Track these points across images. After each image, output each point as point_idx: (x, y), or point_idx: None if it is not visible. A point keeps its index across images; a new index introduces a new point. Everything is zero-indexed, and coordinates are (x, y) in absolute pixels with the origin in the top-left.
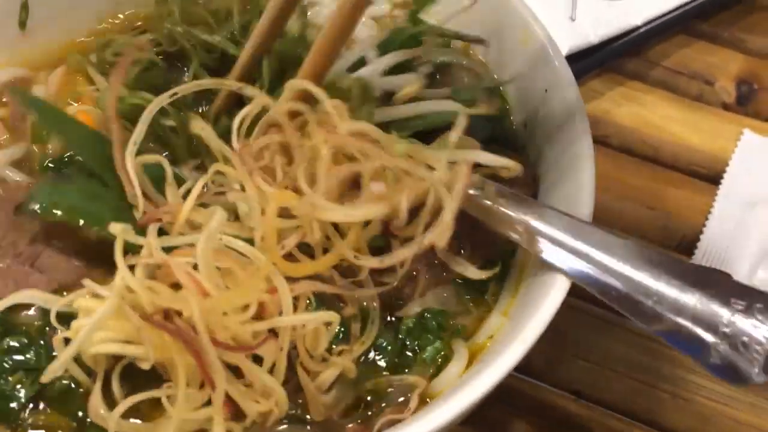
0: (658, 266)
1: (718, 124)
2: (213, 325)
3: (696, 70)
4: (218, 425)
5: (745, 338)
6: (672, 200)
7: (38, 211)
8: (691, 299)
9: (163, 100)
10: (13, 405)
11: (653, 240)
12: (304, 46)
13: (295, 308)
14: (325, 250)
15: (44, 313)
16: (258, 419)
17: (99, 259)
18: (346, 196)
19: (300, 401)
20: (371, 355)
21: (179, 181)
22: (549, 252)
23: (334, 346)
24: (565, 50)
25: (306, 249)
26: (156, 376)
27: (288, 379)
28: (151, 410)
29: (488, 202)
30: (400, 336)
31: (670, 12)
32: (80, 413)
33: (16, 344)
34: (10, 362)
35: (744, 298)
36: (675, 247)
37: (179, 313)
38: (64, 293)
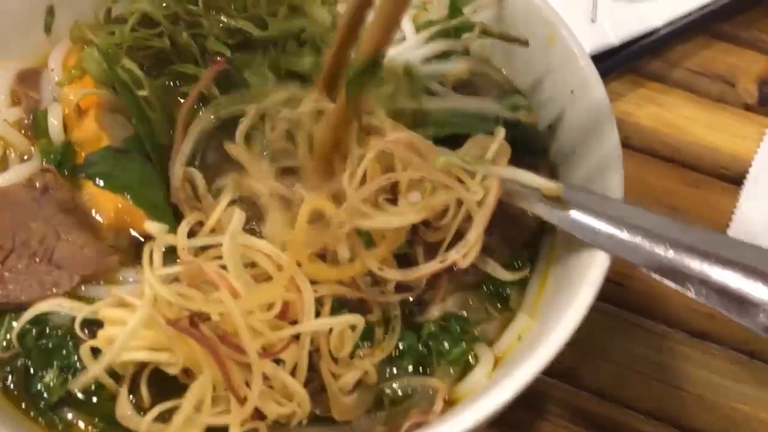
0: (700, 234)
1: (740, 125)
2: (239, 327)
3: (717, 72)
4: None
5: None
6: (695, 201)
7: (95, 177)
8: (736, 264)
9: (208, 121)
10: (44, 403)
11: None
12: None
13: (319, 311)
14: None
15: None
16: (281, 419)
17: (110, 247)
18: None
19: (322, 401)
20: (393, 357)
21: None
22: (585, 226)
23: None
24: None
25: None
26: (177, 381)
27: (310, 380)
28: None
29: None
30: (422, 339)
31: (690, 13)
32: (107, 414)
33: (49, 345)
34: (44, 362)
35: None
36: None
37: (206, 318)
38: (82, 287)
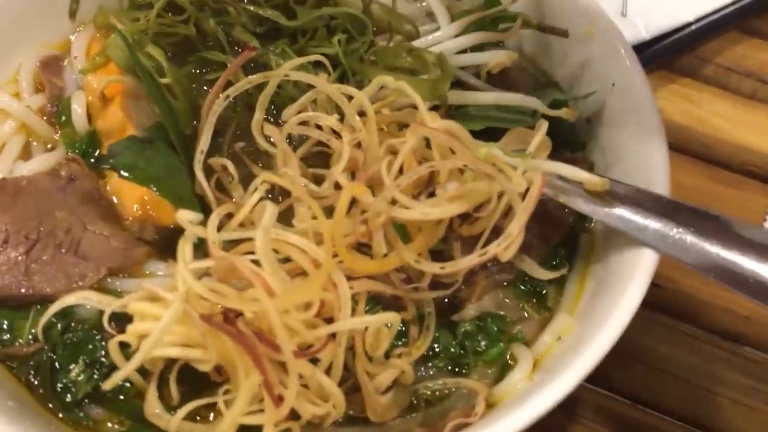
0: (753, 234)
1: None
2: (276, 328)
3: (750, 68)
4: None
5: None
6: (727, 201)
7: (119, 168)
8: None
9: (220, 103)
10: (69, 399)
11: None
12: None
13: (354, 309)
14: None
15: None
16: (314, 420)
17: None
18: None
19: (356, 401)
20: (428, 356)
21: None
22: (632, 223)
23: (392, 349)
24: None
25: (360, 249)
26: (204, 377)
27: (344, 379)
28: (203, 409)
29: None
30: (458, 339)
31: (722, 8)
32: (134, 411)
33: (75, 339)
34: (70, 357)
35: None
36: None
37: (239, 314)
38: (109, 279)
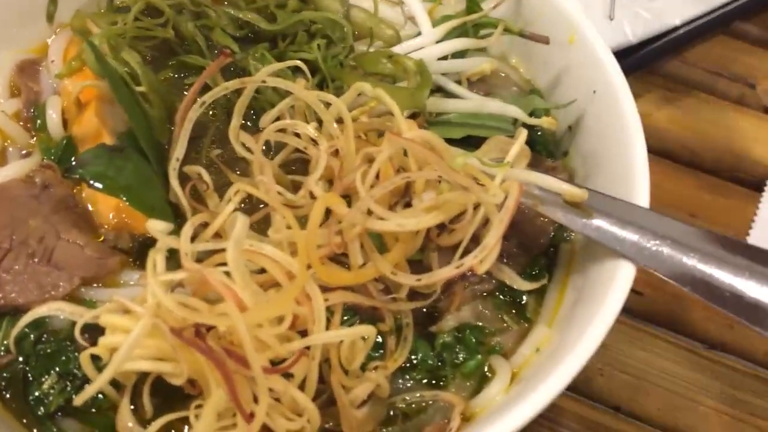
0: (731, 247)
1: (760, 129)
2: (245, 343)
3: (737, 72)
4: None
5: None
6: (714, 207)
7: (88, 178)
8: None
9: (196, 109)
10: (42, 412)
11: None
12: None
13: (329, 320)
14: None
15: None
16: None
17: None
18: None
19: (332, 414)
20: (405, 368)
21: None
22: (610, 234)
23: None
24: None
25: (338, 259)
26: (179, 389)
27: (319, 392)
28: (177, 422)
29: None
30: (436, 350)
31: (709, 12)
32: (107, 425)
33: (48, 350)
34: (43, 368)
35: None
36: None
37: (211, 327)
38: (83, 289)
